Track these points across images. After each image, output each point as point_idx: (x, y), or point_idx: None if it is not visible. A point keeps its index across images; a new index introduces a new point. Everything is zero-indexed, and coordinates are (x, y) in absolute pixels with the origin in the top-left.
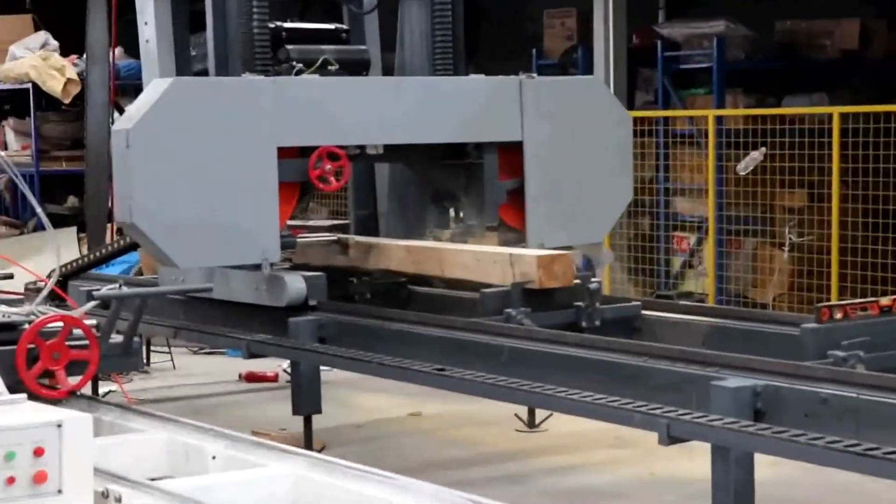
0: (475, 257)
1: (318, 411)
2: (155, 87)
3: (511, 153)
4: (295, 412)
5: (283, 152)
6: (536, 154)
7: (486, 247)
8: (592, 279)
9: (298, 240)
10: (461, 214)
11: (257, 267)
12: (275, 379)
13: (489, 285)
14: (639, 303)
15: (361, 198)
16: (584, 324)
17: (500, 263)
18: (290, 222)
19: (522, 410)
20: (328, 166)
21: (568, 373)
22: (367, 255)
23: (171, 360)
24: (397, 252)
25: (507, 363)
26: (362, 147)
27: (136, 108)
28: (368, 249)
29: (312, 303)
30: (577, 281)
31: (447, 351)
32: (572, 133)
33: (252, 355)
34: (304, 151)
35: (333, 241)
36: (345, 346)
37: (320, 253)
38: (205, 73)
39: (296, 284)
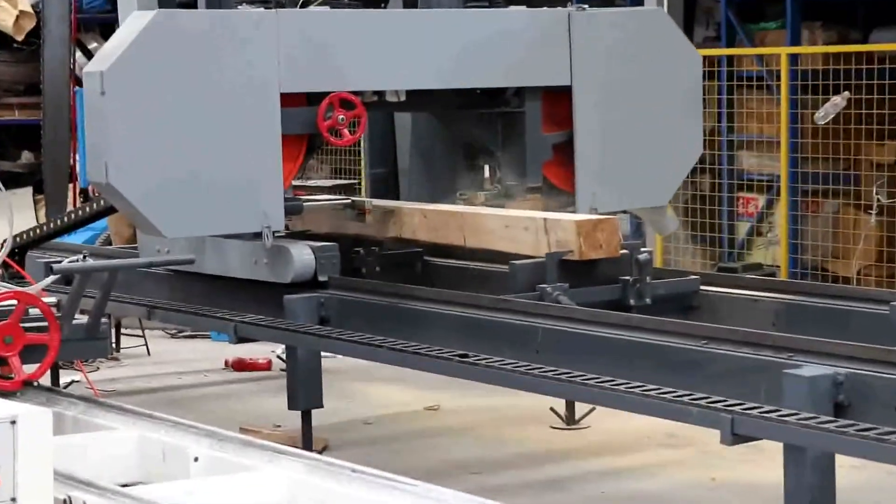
0: (503, 223)
1: (319, 405)
2: (134, 20)
3: (558, 100)
4: (291, 406)
5: (288, 99)
6: (588, 101)
7: (517, 211)
8: (642, 249)
9: (306, 204)
10: (498, 174)
11: (257, 236)
12: (268, 367)
13: (520, 256)
14: (697, 276)
15: (378, 154)
16: (631, 301)
17: (533, 230)
18: (294, 182)
19: (560, 404)
20: (341, 116)
21: (613, 359)
22: (386, 222)
23: (146, 344)
24: (412, 217)
25: (542, 348)
26: (381, 93)
27: (112, 47)
28: (388, 215)
29: (322, 278)
30: (624, 251)
31: (470, 334)
32: (631, 75)
33: (241, 339)
34: (313, 98)
35: (346, 204)
36: (350, 329)
37: (327, 219)
38: (193, 4)
39: (303, 257)
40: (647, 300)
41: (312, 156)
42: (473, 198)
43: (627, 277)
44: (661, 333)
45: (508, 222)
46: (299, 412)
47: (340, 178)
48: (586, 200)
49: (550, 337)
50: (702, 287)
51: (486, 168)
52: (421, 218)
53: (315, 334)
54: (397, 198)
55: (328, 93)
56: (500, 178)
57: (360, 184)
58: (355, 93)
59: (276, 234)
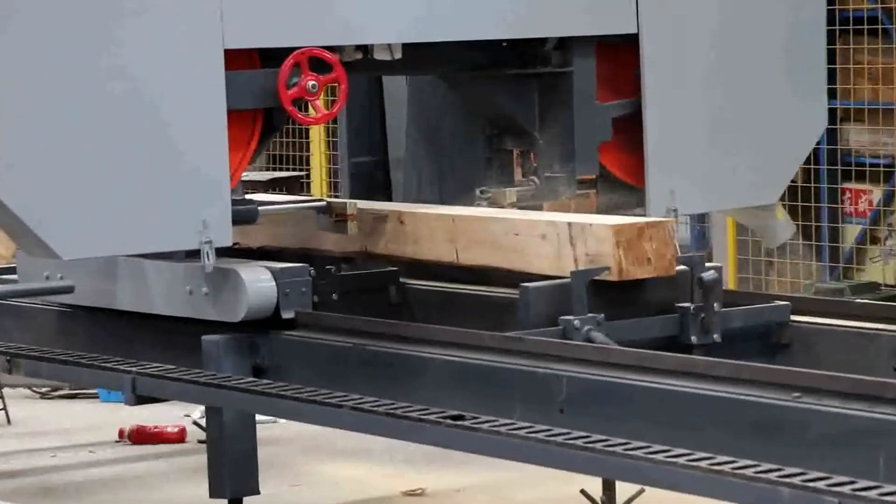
0: (510, 229)
1: (255, 492)
2: None
3: (619, 56)
4: (214, 493)
5: (235, 59)
6: (663, 56)
7: (531, 214)
8: (707, 264)
9: (262, 208)
10: (534, 163)
11: (192, 255)
12: (180, 438)
13: (536, 277)
14: (786, 303)
15: (361, 136)
16: (693, 338)
17: (553, 239)
18: (245, 175)
19: (594, 484)
20: (311, 82)
21: (668, 421)
22: (377, 233)
23: (4, 408)
24: (383, 225)
25: (567, 405)
26: (367, 49)
27: None
28: (380, 223)
29: (288, 315)
30: (682, 267)
31: (466, 386)
32: (723, 20)
33: (141, 399)
34: (271, 58)
35: (320, 208)
36: (297, 382)
37: (292, 229)
38: None
39: (260, 284)
40: (716, 336)
41: (270, 140)
42: (499, 197)
43: (687, 304)
44: (735, 383)
45: (518, 228)
46: (226, 502)
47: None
48: (661, 199)
49: (579, 389)
50: (793, 317)
51: (518, 153)
52: (396, 225)
53: (247, 390)
54: (388, 197)
55: (293, 49)
56: (538, 169)
57: (308, 176)
58: (331, 49)
59: (221, 253)
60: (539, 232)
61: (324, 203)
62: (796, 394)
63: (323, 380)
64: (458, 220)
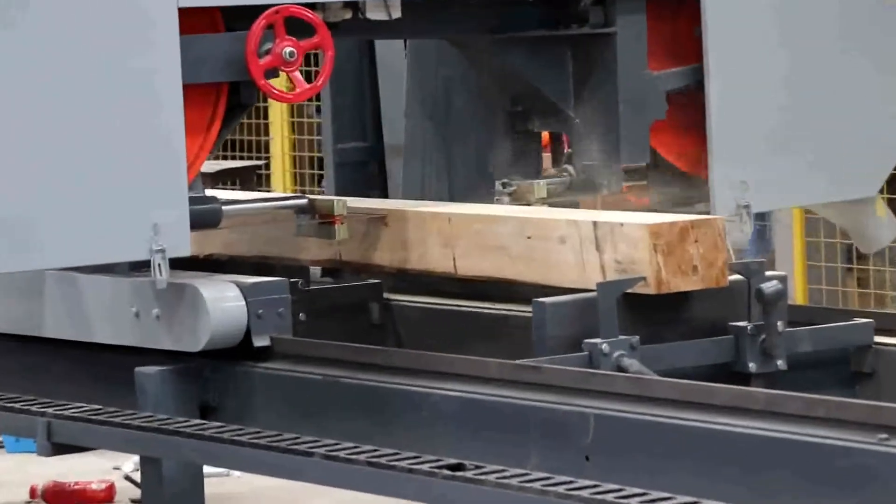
0: (521, 230)
1: None
2: None
3: (675, 12)
4: None
5: (192, 20)
6: (731, 14)
7: (547, 211)
8: (769, 273)
9: (228, 207)
10: (568, 147)
11: (139, 268)
12: (108, 497)
13: (554, 291)
14: (869, 320)
15: (350, 116)
16: (751, 365)
17: (575, 243)
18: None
19: None
20: (288, 48)
21: (720, 470)
22: (373, 239)
23: None
24: (365, 227)
25: (594, 451)
26: (356, 6)
27: None
28: (376, 226)
29: (261, 342)
30: (737, 276)
31: (468, 428)
32: None
33: (59, 448)
34: (238, 18)
35: (298, 208)
36: (255, 424)
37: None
38: None
39: (226, 304)
40: (780, 363)
41: (237, 122)
42: (525, 191)
43: (744, 324)
44: (806, 422)
45: (530, 229)
46: None
47: (233, 158)
48: (730, 193)
49: (609, 431)
50: (877, 338)
51: (548, 139)
52: (377, 226)
53: (193, 435)
54: (384, 193)
55: (265, 6)
56: (573, 157)
57: (267, 166)
58: (312, 6)
59: (176, 264)
60: (557, 234)
61: (305, 201)
62: (883, 435)
63: (289, 422)
64: (455, 221)
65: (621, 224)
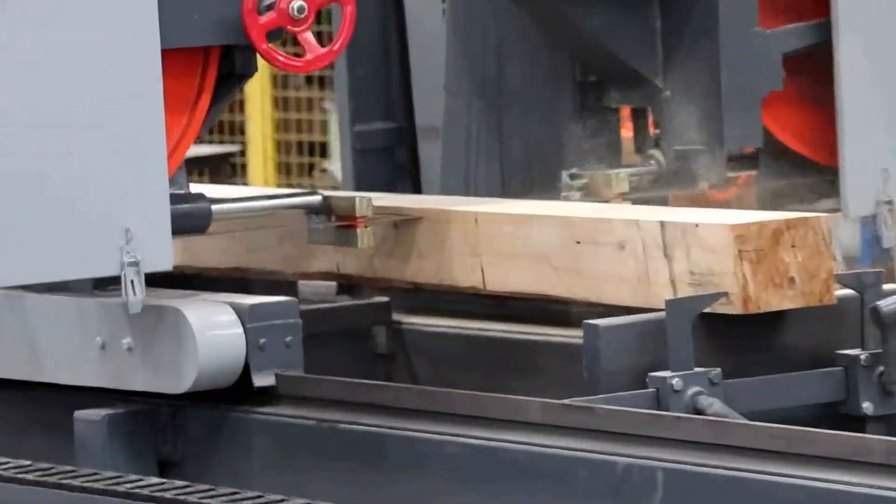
0: (567, 233)
1: None
2: None
3: None
4: None
5: None
6: None
7: (604, 209)
8: (888, 287)
9: (219, 207)
10: (656, 127)
11: (105, 285)
12: None
13: (609, 309)
14: None
15: (373, 89)
16: (866, 405)
17: (636, 248)
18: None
19: None
20: (296, 2)
21: None
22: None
23: None
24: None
25: None
26: None
27: None
28: (410, 230)
29: (263, 382)
30: (847, 291)
31: (500, 485)
32: None
33: None
34: None
35: (309, 206)
36: (229, 482)
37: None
38: None
39: (216, 332)
40: None
41: (230, 98)
42: (601, 183)
43: (856, 352)
44: None
45: (580, 232)
46: None
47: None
48: (866, 185)
49: (682, 488)
50: None
51: (630, 117)
52: (390, 232)
53: (147, 497)
54: (415, 186)
55: None
56: (662, 139)
57: (243, 153)
58: None
59: (154, 282)
60: (614, 238)
61: (319, 199)
62: None
63: (272, 478)
64: (483, 222)
65: (696, 225)
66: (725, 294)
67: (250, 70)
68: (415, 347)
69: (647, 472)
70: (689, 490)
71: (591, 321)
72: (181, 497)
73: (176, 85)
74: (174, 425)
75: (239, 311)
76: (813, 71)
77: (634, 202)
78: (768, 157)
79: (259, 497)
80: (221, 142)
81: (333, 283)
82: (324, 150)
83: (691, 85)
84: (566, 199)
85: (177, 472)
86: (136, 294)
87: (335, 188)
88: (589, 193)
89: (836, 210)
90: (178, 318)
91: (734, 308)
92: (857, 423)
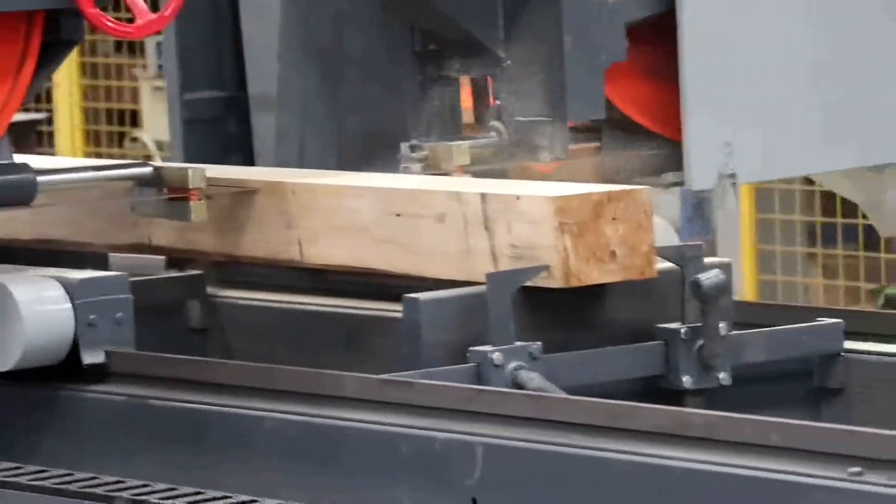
0: (386, 205)
1: None
2: None
3: None
4: None
5: None
6: None
7: (424, 180)
8: (708, 260)
9: (43, 178)
10: (499, 99)
11: None
12: None
13: (430, 283)
14: (837, 321)
15: (203, 56)
16: (686, 379)
17: (458, 221)
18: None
19: None
20: None
21: None
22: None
23: None
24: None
25: (483, 492)
26: None
27: None
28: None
29: (92, 359)
30: (667, 264)
31: (317, 463)
32: None
33: None
34: None
35: (138, 177)
36: (39, 461)
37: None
38: None
39: (43, 308)
40: (722, 376)
41: (57, 65)
42: (441, 155)
43: (676, 326)
44: (757, 452)
45: (400, 204)
46: None
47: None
48: (710, 158)
49: (501, 465)
50: (848, 344)
51: (470, 86)
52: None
53: None
54: (248, 158)
55: None
56: (503, 110)
57: (51, 121)
58: None
59: None
60: (434, 210)
61: (149, 170)
62: (854, 469)
63: (80, 455)
64: (300, 193)
65: (517, 197)
66: (546, 267)
67: (78, 36)
68: (230, 322)
69: (467, 447)
70: (509, 465)
71: (410, 295)
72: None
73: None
74: None
75: (67, 286)
76: (657, 42)
77: (475, 175)
78: (611, 130)
79: (68, 475)
80: (27, 109)
81: (150, 257)
82: (134, 119)
83: (533, 54)
84: (406, 171)
85: None
86: None
87: (147, 158)
88: (430, 166)
89: (680, 183)
90: (3, 293)
91: (555, 281)
92: (677, 397)
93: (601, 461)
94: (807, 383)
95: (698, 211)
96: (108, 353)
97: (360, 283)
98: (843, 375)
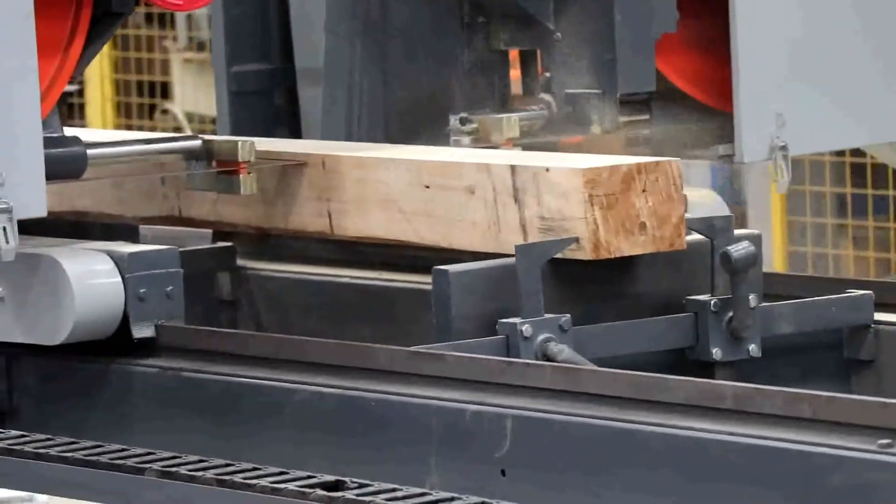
0: (415, 177)
1: None
2: None
3: None
4: None
5: None
6: None
7: (452, 152)
8: (739, 232)
9: (94, 151)
10: (546, 69)
11: None
12: None
13: (458, 255)
14: (868, 292)
15: (248, 29)
16: (716, 351)
17: (486, 193)
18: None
19: None
20: None
21: (678, 485)
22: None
23: None
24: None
25: (513, 464)
26: None
27: None
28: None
29: (143, 333)
30: (697, 237)
31: (349, 434)
32: None
33: None
34: None
35: (186, 150)
36: (68, 431)
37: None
38: None
39: (94, 282)
40: (752, 348)
41: (108, 37)
42: (491, 128)
43: (706, 297)
44: (785, 424)
45: (429, 176)
46: None
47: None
48: (761, 129)
49: (531, 437)
50: (878, 316)
51: (520, 59)
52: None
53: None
54: (295, 131)
55: None
56: (552, 82)
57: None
58: None
59: (26, 229)
60: (464, 182)
61: (199, 143)
62: (884, 441)
63: (115, 429)
64: (330, 165)
65: (547, 169)
66: (576, 239)
67: (128, 8)
68: (260, 294)
69: (497, 419)
70: (538, 437)
71: (440, 267)
72: (15, 447)
73: (48, 25)
74: (9, 371)
75: (117, 259)
76: (708, 12)
77: (525, 148)
78: (661, 102)
79: (98, 447)
80: None
81: (181, 228)
82: (165, 91)
83: (583, 26)
84: (455, 144)
85: (12, 422)
86: (8, 242)
87: (177, 129)
88: (479, 139)
89: (731, 156)
90: (54, 268)
91: (584, 254)
92: (707, 369)
93: (631, 433)
94: (836, 355)
95: (728, 183)
96: (159, 328)
97: (390, 254)
98: (872, 347)
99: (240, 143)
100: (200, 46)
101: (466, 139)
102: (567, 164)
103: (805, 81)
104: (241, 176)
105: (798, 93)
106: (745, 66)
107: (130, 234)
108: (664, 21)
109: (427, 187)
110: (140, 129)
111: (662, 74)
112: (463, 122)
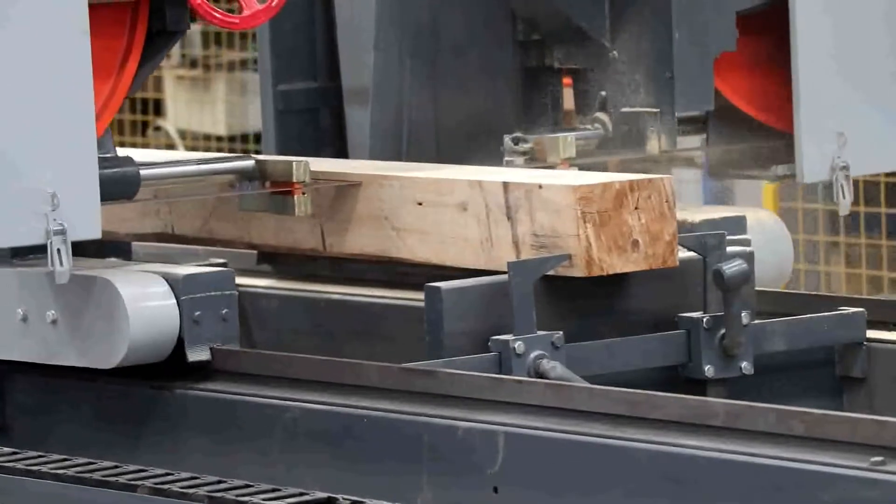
0: (408, 195)
1: None
2: None
3: None
4: None
5: None
6: None
7: (446, 169)
8: (731, 246)
9: (147, 172)
10: (603, 92)
11: (25, 252)
12: None
13: (451, 272)
14: (860, 309)
15: (295, 47)
16: (708, 368)
17: (479, 209)
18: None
19: None
20: None
21: (668, 502)
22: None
23: None
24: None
25: (505, 480)
26: None
27: None
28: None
29: (198, 356)
30: (689, 254)
31: (340, 452)
32: None
33: None
34: None
35: (240, 171)
36: (60, 447)
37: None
38: None
39: (148, 304)
40: (744, 366)
41: (162, 56)
42: (546, 148)
43: (698, 315)
44: (777, 441)
45: (421, 192)
46: None
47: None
48: (822, 149)
49: (523, 454)
50: (871, 333)
51: (574, 78)
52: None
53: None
54: (341, 150)
55: None
56: (608, 101)
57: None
58: None
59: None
60: (456, 199)
61: (251, 163)
62: (877, 458)
63: (104, 447)
64: (322, 181)
65: (540, 186)
66: (568, 257)
67: (182, 27)
68: (253, 311)
69: (489, 436)
70: (530, 454)
71: (433, 284)
72: (7, 464)
73: (103, 44)
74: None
75: (172, 281)
76: (768, 31)
77: (580, 168)
78: (719, 121)
79: (90, 464)
80: None
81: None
82: (158, 108)
83: (640, 45)
84: (509, 164)
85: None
86: (63, 264)
87: (170, 147)
88: (534, 159)
89: (791, 176)
90: (108, 290)
91: (577, 271)
92: (699, 386)
93: (623, 450)
94: (829, 372)
95: (720, 200)
96: (214, 351)
97: (384, 271)
98: (865, 364)
99: (294, 163)
100: (193, 63)
101: (520, 159)
102: (559, 181)
103: (866, 101)
104: (296, 197)
105: (859, 112)
106: (805, 85)
107: (123, 252)
108: (723, 39)
109: (420, 204)
110: (133, 146)
111: (720, 93)
112: (516, 141)
